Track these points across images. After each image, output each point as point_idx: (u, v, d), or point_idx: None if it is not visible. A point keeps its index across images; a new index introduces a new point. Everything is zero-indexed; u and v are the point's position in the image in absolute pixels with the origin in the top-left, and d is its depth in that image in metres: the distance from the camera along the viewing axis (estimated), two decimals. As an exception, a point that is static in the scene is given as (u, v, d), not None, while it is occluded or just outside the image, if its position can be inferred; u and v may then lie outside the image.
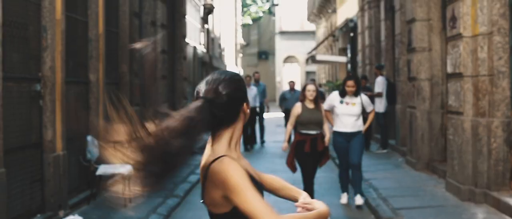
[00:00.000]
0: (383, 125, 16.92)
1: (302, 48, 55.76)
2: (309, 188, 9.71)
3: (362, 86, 17.74)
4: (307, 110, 9.67)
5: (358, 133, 10.17)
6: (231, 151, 2.80)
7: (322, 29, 42.13)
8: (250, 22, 57.99)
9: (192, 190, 11.92)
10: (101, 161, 10.39)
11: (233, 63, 39.47)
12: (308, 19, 46.63)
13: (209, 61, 26.39)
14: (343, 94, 10.14)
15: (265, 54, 60.94)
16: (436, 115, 12.92)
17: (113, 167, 10.24)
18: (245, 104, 2.86)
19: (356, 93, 10.11)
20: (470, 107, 9.68)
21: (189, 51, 20.86)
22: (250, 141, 19.65)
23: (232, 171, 2.66)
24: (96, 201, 10.17)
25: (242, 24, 52.82)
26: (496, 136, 9.28)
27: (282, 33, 57.20)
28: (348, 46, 27.29)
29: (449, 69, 10.40)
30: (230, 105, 2.79)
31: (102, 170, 9.98)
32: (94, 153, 10.10)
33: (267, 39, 61.18)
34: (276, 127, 27.14)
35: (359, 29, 23.31)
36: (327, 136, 9.77)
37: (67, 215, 8.86)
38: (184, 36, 18.99)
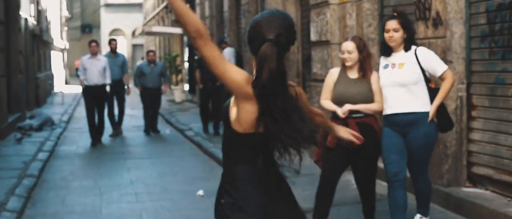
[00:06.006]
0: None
1: (128, 21, 54.89)
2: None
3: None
4: (346, 80, 6.19)
5: (420, 117, 6.01)
6: None
7: (150, 1, 41.47)
8: (73, -6, 56.17)
9: (45, 168, 11.20)
10: None
11: (59, 37, 37.93)
12: (135, -9, 45.77)
13: (39, 34, 25.09)
14: (387, 51, 6.20)
15: (88, 28, 59.42)
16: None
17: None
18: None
19: (406, 45, 6.10)
20: (339, 74, 9.67)
21: (21, 23, 19.62)
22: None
23: None
24: None
25: (66, -3, 50.96)
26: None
27: (108, 5, 55.89)
28: (185, 17, 26.87)
29: (313, 37, 10.35)
30: None
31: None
32: None
33: (91, 12, 59.56)
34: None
35: (198, 0, 22.99)
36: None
37: None
38: (19, 7, 17.81)
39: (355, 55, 6.10)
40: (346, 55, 6.11)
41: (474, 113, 7.36)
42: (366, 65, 6.13)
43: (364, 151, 6.00)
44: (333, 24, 9.67)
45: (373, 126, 6.12)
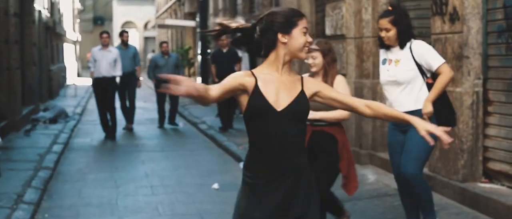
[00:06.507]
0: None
1: (140, 13, 55.05)
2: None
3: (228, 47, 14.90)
4: None
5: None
6: (271, 70, 3.49)
7: (163, -6, 41.53)
8: (85, -14, 56.32)
9: (60, 160, 11.26)
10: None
11: (71, 29, 38.04)
12: (148, -17, 45.87)
13: (53, 26, 25.19)
14: (385, 45, 5.95)
15: (101, 20, 59.55)
16: (306, 78, 12.89)
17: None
18: (280, 34, 3.43)
19: (401, 42, 5.86)
20: (354, 69, 9.69)
21: (35, 15, 19.72)
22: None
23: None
24: (-39, 176, 9.31)
25: (78, -11, 51.11)
26: (382, 97, 9.32)
27: (120, -2, 56.11)
28: (197, 10, 26.90)
29: (328, 32, 10.36)
30: (264, 33, 3.45)
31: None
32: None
33: (103, 4, 59.71)
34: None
35: (211, -7, 23.02)
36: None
37: None
38: (33, -1, 17.92)
39: (319, 60, 5.71)
40: (310, 61, 5.71)
41: (490, 108, 7.35)
42: (329, 70, 5.75)
43: (318, 157, 5.74)
44: (348, 18, 9.67)
45: (335, 135, 5.76)
